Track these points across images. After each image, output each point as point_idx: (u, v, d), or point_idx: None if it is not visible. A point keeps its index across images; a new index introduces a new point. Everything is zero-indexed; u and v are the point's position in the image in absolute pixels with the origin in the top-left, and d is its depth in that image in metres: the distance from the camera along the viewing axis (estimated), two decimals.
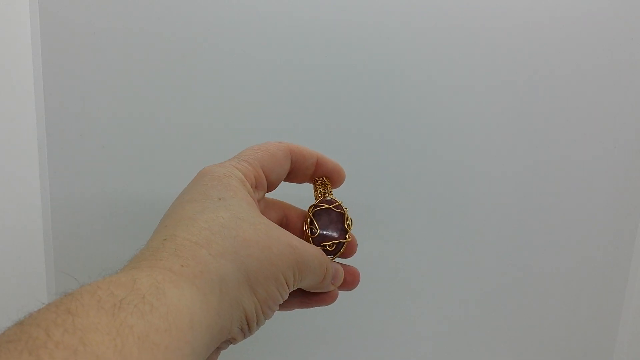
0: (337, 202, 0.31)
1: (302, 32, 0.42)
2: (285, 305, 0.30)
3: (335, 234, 0.30)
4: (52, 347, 0.16)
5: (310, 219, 0.31)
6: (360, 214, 0.46)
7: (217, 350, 0.25)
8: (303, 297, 0.31)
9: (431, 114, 0.45)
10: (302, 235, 0.31)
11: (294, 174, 0.31)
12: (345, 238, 0.30)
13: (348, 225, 0.31)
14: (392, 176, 0.46)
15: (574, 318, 0.50)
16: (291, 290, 0.26)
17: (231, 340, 0.25)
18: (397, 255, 0.47)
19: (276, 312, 0.31)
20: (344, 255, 0.32)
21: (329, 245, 0.30)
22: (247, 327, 0.24)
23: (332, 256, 0.31)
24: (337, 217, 0.31)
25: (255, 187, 0.29)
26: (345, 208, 0.31)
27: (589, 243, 0.49)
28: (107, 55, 0.41)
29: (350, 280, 0.32)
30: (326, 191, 0.32)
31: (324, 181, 0.32)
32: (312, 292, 0.30)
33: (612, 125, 0.47)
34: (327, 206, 0.31)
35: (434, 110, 0.45)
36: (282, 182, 0.31)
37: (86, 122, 0.41)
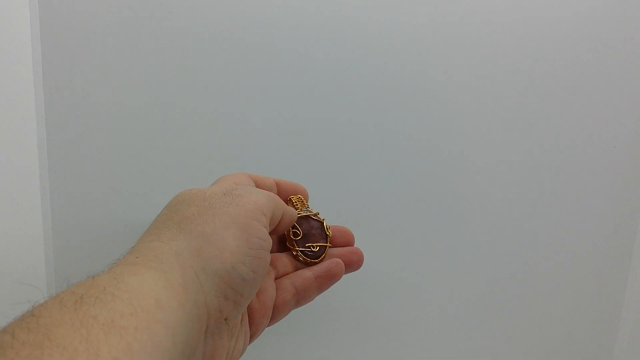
0: (315, 212, 0.34)
1: (301, 31, 0.42)
2: (304, 293, 0.31)
3: (318, 238, 0.33)
4: (18, 347, 0.16)
5: (293, 224, 0.32)
6: (358, 214, 0.46)
7: (220, 333, 0.24)
8: (315, 277, 0.31)
9: (430, 113, 0.45)
10: (285, 240, 0.33)
11: None
12: (327, 243, 0.33)
13: (327, 233, 0.33)
14: (389, 176, 0.46)
15: (573, 318, 0.50)
16: (265, 220, 0.26)
17: (221, 315, 0.23)
18: (396, 255, 0.47)
19: (298, 308, 0.32)
20: (350, 268, 0.33)
21: (313, 247, 0.32)
22: (232, 290, 0.23)
23: (315, 260, 0.32)
24: (318, 225, 0.33)
25: None
26: (323, 219, 0.34)
27: (588, 243, 0.49)
28: (107, 54, 0.41)
29: (355, 260, 0.33)
30: (304, 206, 0.34)
31: (300, 198, 0.35)
32: (320, 268, 0.31)
33: (612, 125, 0.47)
34: (307, 214, 0.33)
35: (432, 109, 0.45)
36: None
37: (86, 122, 0.41)
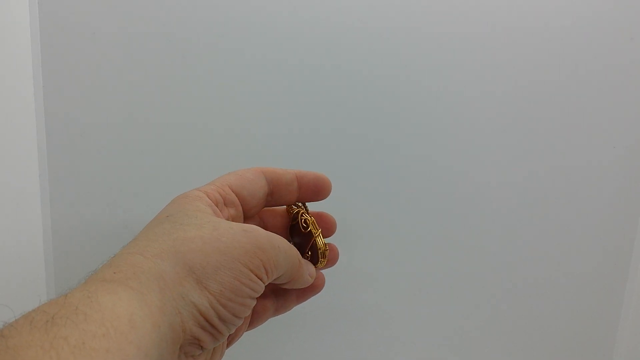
0: (312, 229, 0.32)
1: (300, 35, 0.42)
2: (282, 305, 0.30)
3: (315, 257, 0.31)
4: None
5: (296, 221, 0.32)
6: (357, 219, 0.46)
7: (195, 354, 0.23)
8: (296, 291, 0.31)
9: (429, 117, 0.45)
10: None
11: (278, 194, 0.31)
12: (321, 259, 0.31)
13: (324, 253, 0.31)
14: (390, 182, 0.46)
15: (573, 318, 0.50)
16: (267, 278, 0.25)
17: (198, 342, 0.23)
18: (395, 260, 0.47)
19: (279, 315, 0.31)
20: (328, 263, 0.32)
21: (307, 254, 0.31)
22: (209, 325, 0.23)
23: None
24: (313, 244, 0.31)
25: (225, 204, 0.28)
26: (318, 233, 0.32)
27: (588, 243, 0.49)
28: (107, 55, 0.41)
29: (330, 257, 0.32)
30: (301, 213, 0.32)
31: (298, 204, 0.33)
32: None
33: (612, 126, 0.47)
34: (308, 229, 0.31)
35: (432, 113, 0.45)
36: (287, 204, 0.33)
37: (86, 122, 0.41)
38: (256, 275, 0.24)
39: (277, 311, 0.31)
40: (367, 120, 0.44)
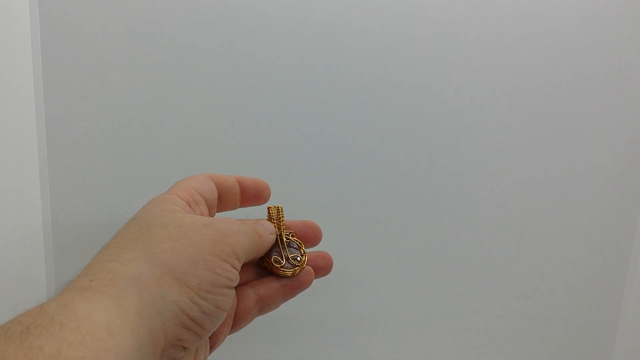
0: (290, 231, 0.33)
1: (300, 37, 0.42)
2: (269, 301, 0.30)
3: (296, 258, 0.31)
4: None
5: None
6: (357, 218, 0.46)
7: (177, 356, 0.23)
8: (282, 286, 0.31)
9: (429, 117, 0.45)
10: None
11: (224, 197, 0.32)
12: (303, 259, 0.31)
13: (303, 257, 0.32)
14: (389, 183, 0.46)
15: (573, 318, 0.50)
16: (238, 265, 0.25)
17: (180, 343, 0.23)
18: (395, 260, 0.47)
19: (267, 313, 0.31)
20: (319, 273, 0.32)
21: (292, 267, 0.31)
22: (192, 322, 0.23)
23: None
24: (295, 245, 0.32)
25: (195, 202, 0.29)
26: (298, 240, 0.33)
27: (588, 242, 0.49)
28: (107, 55, 0.41)
29: (323, 265, 0.32)
30: (279, 217, 0.33)
31: (278, 209, 0.33)
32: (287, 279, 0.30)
33: (611, 126, 0.47)
34: (284, 235, 0.32)
35: (430, 113, 0.45)
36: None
37: (86, 122, 0.41)
38: (228, 263, 0.25)
39: (262, 310, 0.31)
40: (363, 122, 0.44)
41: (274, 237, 0.31)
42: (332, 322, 0.47)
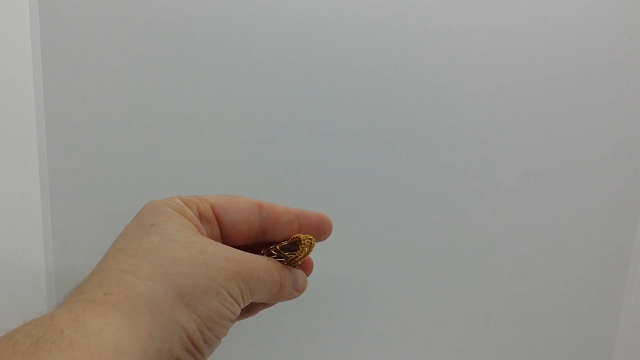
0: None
1: (303, 35, 0.42)
2: (246, 310, 0.30)
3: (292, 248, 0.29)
4: None
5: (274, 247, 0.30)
6: (357, 218, 0.46)
7: None
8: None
9: (428, 117, 0.45)
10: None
11: (272, 232, 0.30)
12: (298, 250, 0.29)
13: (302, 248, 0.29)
14: (389, 182, 0.46)
15: (573, 318, 0.50)
16: (244, 304, 0.26)
17: None
18: (395, 262, 0.47)
19: (245, 319, 0.30)
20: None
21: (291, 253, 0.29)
22: (194, 348, 0.23)
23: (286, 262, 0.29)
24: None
25: (200, 219, 0.28)
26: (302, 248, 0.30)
27: (588, 243, 0.49)
28: (107, 55, 0.41)
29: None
30: (307, 251, 0.30)
31: (310, 241, 0.30)
32: None
33: (611, 126, 0.47)
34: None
35: (430, 112, 0.45)
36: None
37: (86, 122, 0.41)
38: (235, 301, 0.25)
39: (241, 317, 0.30)
40: (362, 121, 0.44)
41: (299, 295, 0.30)
42: (333, 322, 0.47)
